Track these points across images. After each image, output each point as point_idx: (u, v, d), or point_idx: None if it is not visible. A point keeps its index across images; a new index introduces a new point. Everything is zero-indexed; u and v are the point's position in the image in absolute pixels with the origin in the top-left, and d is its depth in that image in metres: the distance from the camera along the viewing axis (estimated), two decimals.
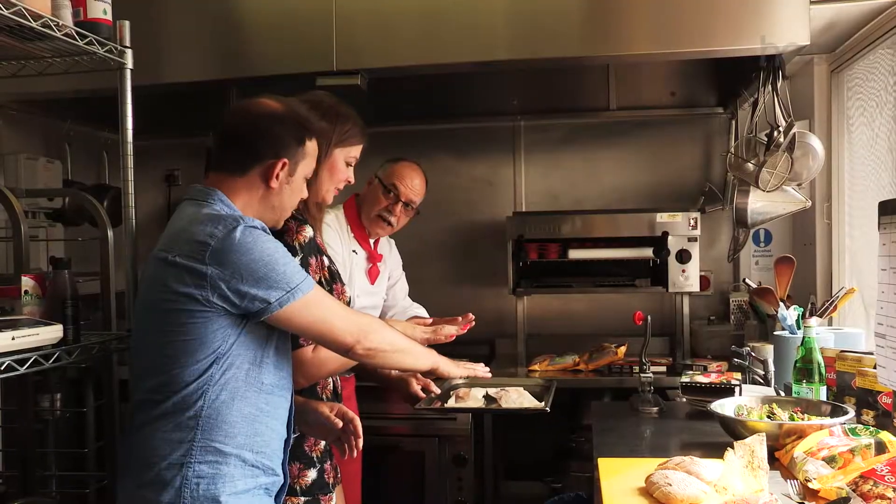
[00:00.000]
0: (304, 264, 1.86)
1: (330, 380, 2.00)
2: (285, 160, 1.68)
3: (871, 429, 1.85)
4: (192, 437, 1.58)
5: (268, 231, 1.64)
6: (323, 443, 1.97)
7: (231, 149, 1.70)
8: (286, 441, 1.76)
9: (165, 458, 1.57)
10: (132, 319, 2.06)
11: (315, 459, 1.95)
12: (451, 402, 2.34)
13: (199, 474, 1.57)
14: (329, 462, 2.00)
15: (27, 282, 1.98)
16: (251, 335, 1.63)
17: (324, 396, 1.96)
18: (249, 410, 1.63)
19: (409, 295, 3.18)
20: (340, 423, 1.80)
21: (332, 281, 1.98)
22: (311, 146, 1.74)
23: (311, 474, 1.92)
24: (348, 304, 2.05)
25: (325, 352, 1.86)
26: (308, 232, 1.90)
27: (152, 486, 1.58)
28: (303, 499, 1.89)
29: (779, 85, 2.76)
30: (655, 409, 2.48)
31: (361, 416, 1.83)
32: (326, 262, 1.98)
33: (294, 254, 1.84)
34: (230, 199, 1.68)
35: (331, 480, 1.99)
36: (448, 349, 3.54)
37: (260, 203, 1.70)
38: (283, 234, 1.85)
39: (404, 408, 3.11)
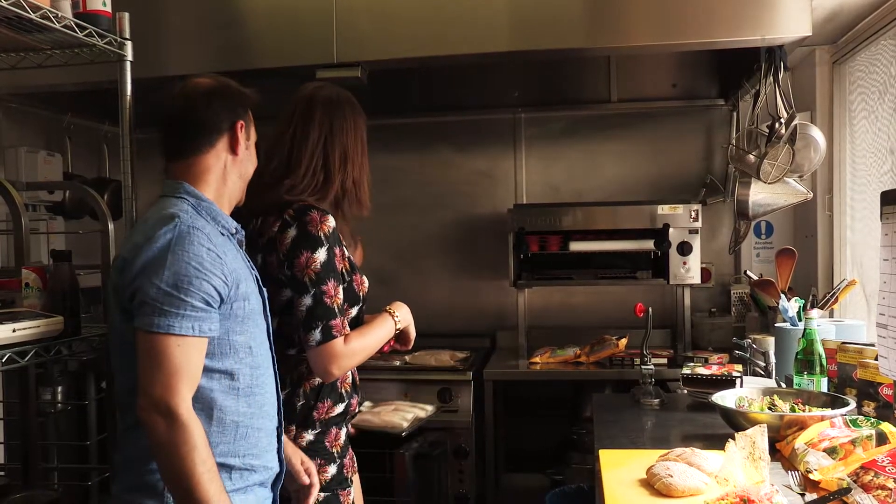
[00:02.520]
0: (331, 255, 1.84)
1: (349, 373, 1.98)
2: (242, 122, 1.71)
3: (872, 420, 1.86)
4: None
5: (209, 236, 1.58)
6: (343, 436, 1.96)
7: (190, 130, 1.69)
8: (278, 429, 1.74)
9: (149, 463, 1.54)
10: None
11: (335, 455, 1.92)
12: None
13: None
14: (348, 456, 1.99)
15: (28, 274, 1.98)
16: None
17: (343, 390, 1.94)
18: (231, 419, 1.59)
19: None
20: (307, 481, 1.81)
21: (352, 271, 1.95)
22: (250, 113, 1.76)
23: (331, 470, 1.90)
24: (365, 295, 2.02)
25: (356, 341, 1.85)
26: (331, 222, 1.86)
27: (138, 490, 1.56)
28: (322, 495, 1.87)
29: (780, 76, 2.75)
30: (656, 400, 2.48)
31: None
32: (347, 252, 1.96)
33: (320, 244, 1.82)
34: (199, 183, 1.68)
35: (349, 474, 1.98)
36: (449, 342, 3.57)
37: (228, 176, 1.71)
38: (306, 224, 1.83)
39: (406, 400, 3.13)
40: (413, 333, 2.09)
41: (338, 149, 1.95)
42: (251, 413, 1.63)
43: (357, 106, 2.04)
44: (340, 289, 1.86)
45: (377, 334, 1.95)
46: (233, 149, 1.70)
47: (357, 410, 2.03)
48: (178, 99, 1.71)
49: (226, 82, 1.74)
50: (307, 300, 1.80)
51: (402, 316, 2.03)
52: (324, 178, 1.93)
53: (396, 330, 2.01)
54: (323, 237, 1.83)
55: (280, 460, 1.74)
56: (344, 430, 1.99)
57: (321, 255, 1.82)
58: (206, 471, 1.48)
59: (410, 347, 2.13)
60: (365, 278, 2.02)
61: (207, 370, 1.56)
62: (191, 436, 1.47)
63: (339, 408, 1.93)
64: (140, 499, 1.56)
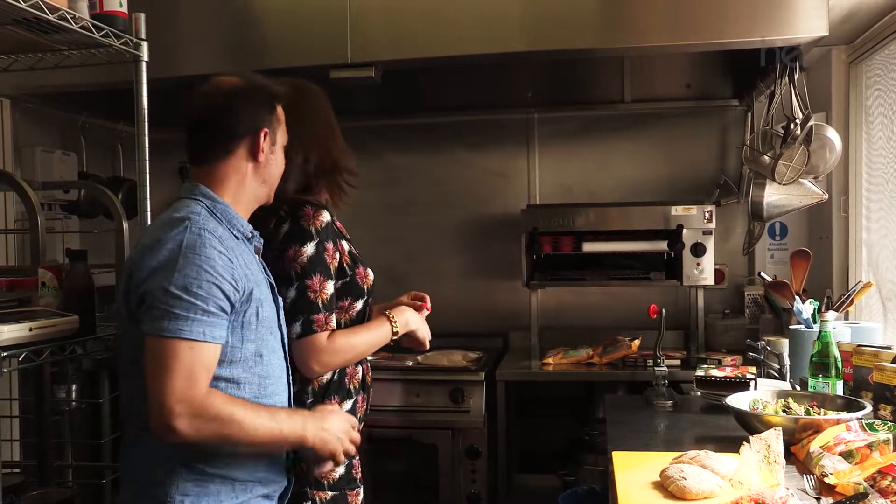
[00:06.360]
0: (321, 249, 1.82)
1: (358, 368, 1.95)
2: (266, 130, 1.64)
3: (889, 424, 1.84)
4: (173, 454, 1.50)
5: (221, 239, 1.54)
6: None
7: (209, 136, 1.63)
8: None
9: (150, 476, 1.52)
10: None
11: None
12: None
13: (185, 492, 1.51)
14: (357, 457, 1.95)
15: (44, 273, 2.00)
16: None
17: (351, 387, 1.91)
18: None
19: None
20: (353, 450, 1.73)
21: (354, 266, 1.92)
22: (280, 111, 1.69)
23: (339, 469, 1.87)
24: (371, 287, 1.98)
25: (342, 339, 1.81)
26: (325, 216, 1.85)
27: (140, 502, 1.55)
28: (330, 493, 1.85)
29: (796, 76, 2.74)
30: (670, 402, 2.47)
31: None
32: (347, 246, 1.93)
33: (310, 238, 1.81)
34: (217, 187, 1.63)
35: (358, 475, 1.96)
36: (461, 343, 3.57)
37: (251, 181, 1.65)
38: (298, 218, 1.82)
39: (418, 401, 3.14)
40: (424, 335, 2.06)
41: (301, 147, 1.87)
42: None
43: (307, 91, 1.95)
44: (329, 284, 1.83)
45: (368, 337, 1.90)
46: (254, 156, 1.63)
47: (366, 409, 2.00)
48: (198, 101, 1.64)
49: (251, 82, 1.66)
50: (291, 293, 1.78)
51: (401, 322, 1.98)
52: (302, 176, 1.89)
53: (394, 336, 1.97)
54: (314, 231, 1.82)
55: (289, 476, 1.71)
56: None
57: (309, 249, 1.81)
58: (260, 424, 1.49)
59: (426, 349, 2.10)
60: (370, 271, 1.99)
61: (214, 377, 1.51)
62: (228, 415, 1.45)
63: (347, 405, 1.90)
64: None
